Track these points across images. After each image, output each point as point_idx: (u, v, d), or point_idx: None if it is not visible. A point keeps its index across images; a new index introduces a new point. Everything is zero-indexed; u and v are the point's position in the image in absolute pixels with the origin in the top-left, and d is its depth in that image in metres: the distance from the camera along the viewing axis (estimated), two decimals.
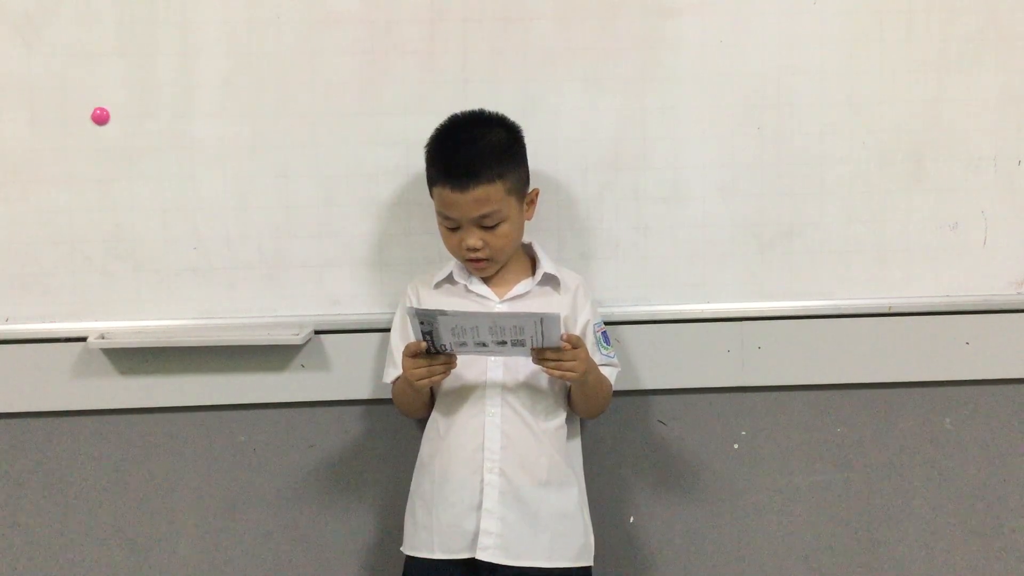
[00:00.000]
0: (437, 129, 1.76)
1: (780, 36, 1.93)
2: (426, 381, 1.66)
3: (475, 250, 1.71)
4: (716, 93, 1.94)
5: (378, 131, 1.92)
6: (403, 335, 1.81)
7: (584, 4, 1.90)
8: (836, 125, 1.96)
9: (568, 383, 1.73)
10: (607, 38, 1.91)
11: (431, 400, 1.80)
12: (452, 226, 1.71)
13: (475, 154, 1.68)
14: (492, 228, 1.70)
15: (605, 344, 1.80)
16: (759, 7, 1.92)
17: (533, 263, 1.83)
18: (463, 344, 1.61)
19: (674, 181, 1.96)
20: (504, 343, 1.60)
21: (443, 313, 1.56)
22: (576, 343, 1.64)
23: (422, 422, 1.84)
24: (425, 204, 1.85)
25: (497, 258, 1.74)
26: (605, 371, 1.78)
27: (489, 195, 1.67)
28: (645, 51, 1.92)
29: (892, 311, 1.99)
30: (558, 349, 1.62)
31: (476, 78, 1.91)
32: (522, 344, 1.61)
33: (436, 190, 1.71)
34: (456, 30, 1.90)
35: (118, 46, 1.88)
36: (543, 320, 1.56)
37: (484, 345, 1.61)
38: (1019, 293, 2.01)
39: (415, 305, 1.80)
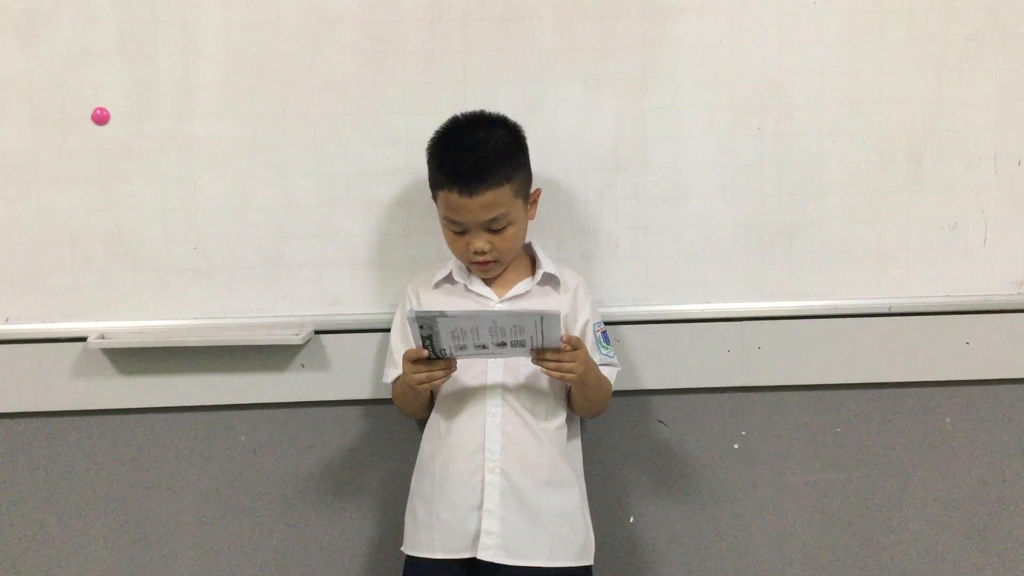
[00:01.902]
0: (439, 132, 1.75)
1: (780, 36, 1.93)
2: (427, 385, 1.66)
3: (482, 253, 1.70)
4: (716, 93, 1.94)
5: (378, 131, 1.92)
6: (403, 335, 1.81)
7: (584, 4, 1.90)
8: (836, 125, 1.96)
9: (568, 384, 1.73)
10: (607, 38, 1.91)
11: (431, 401, 1.80)
12: (459, 230, 1.71)
13: (482, 158, 1.67)
14: (500, 231, 1.70)
15: (605, 344, 1.79)
16: (759, 7, 1.92)
17: (533, 263, 1.83)
18: (463, 347, 1.61)
19: (674, 181, 1.96)
20: (504, 344, 1.60)
21: (443, 315, 1.56)
22: (575, 344, 1.64)
23: (422, 422, 1.84)
24: (425, 204, 1.85)
25: (503, 260, 1.74)
26: (605, 371, 1.78)
27: (497, 199, 1.67)
28: (645, 51, 1.92)
29: (892, 311, 1.99)
30: (558, 350, 1.62)
31: (476, 78, 1.91)
32: (522, 345, 1.61)
33: (442, 194, 1.70)
34: (456, 30, 1.90)
35: (118, 46, 1.88)
36: (543, 318, 1.56)
37: (484, 347, 1.61)
38: (1019, 293, 2.01)
39: (415, 305, 1.81)
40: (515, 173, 1.71)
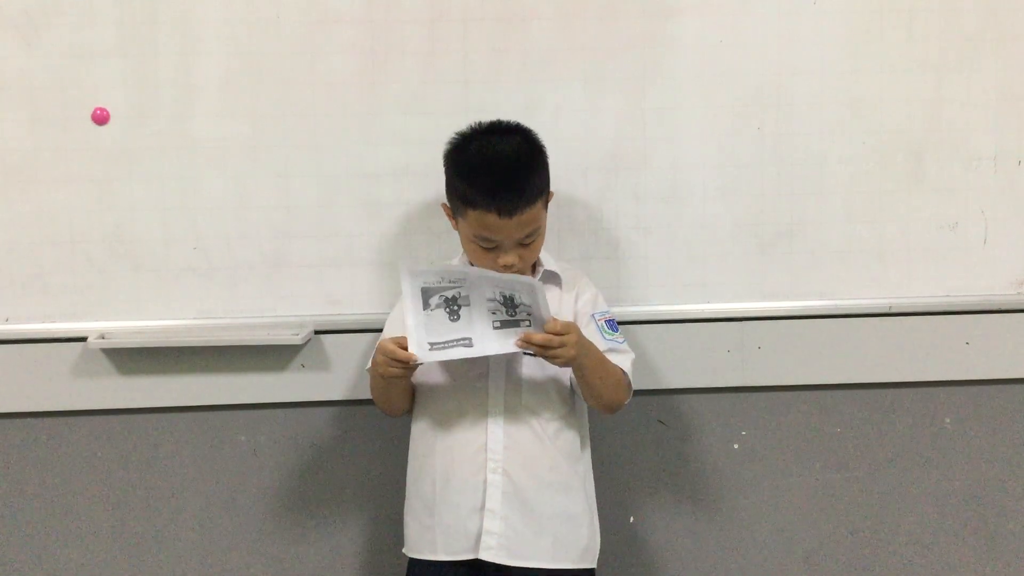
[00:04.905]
0: (460, 144, 1.71)
1: (780, 36, 1.93)
2: (398, 372, 1.63)
3: (511, 266, 1.67)
4: (716, 93, 1.94)
5: (378, 131, 1.91)
6: (395, 331, 1.80)
7: (584, 4, 1.90)
8: (836, 125, 1.96)
9: (559, 365, 1.66)
10: (607, 38, 1.91)
11: (411, 396, 1.77)
12: (490, 247, 1.67)
13: (517, 177, 1.65)
14: (530, 244, 1.68)
15: (610, 330, 1.76)
16: (759, 7, 1.92)
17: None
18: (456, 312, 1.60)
19: (674, 181, 1.96)
20: (510, 306, 1.59)
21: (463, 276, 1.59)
22: (562, 330, 1.59)
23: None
24: (425, 204, 1.86)
25: (526, 268, 1.73)
26: (614, 358, 1.73)
27: (533, 216, 1.66)
28: (645, 51, 1.92)
29: (892, 311, 1.99)
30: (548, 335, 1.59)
31: (476, 78, 1.91)
32: (516, 323, 1.60)
33: (474, 214, 1.65)
34: (456, 30, 1.90)
35: (118, 46, 1.87)
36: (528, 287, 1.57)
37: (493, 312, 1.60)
38: (1019, 293, 2.01)
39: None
40: (544, 185, 1.70)
